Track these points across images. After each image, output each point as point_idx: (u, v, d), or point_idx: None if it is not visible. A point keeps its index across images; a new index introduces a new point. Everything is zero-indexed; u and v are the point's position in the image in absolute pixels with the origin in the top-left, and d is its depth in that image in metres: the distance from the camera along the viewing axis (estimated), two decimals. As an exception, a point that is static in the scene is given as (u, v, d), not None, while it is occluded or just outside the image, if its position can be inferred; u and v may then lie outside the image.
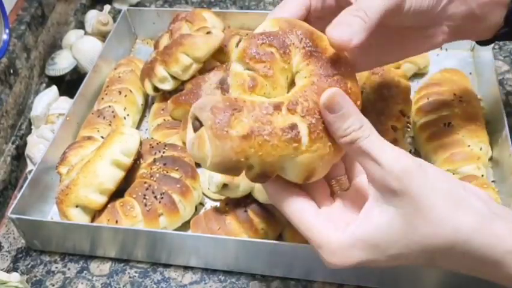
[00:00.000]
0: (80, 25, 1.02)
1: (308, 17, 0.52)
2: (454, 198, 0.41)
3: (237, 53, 0.47)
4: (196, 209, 0.70)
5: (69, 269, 0.68)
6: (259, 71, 0.46)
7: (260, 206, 0.65)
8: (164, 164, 0.69)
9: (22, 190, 0.68)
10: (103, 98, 0.82)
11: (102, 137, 0.74)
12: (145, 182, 0.68)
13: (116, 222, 0.65)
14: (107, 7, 1.00)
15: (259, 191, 0.63)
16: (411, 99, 0.74)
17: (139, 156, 0.71)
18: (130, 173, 0.69)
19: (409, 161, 0.41)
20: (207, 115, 0.43)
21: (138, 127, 0.84)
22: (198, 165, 0.74)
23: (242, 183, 0.63)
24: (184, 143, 0.75)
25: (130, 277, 0.66)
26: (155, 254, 0.66)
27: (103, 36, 0.96)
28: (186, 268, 0.67)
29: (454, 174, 0.68)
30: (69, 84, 0.93)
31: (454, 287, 0.60)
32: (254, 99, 0.45)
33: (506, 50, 0.91)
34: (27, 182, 0.69)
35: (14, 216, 0.66)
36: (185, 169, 0.69)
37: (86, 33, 0.97)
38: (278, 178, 0.46)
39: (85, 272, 0.67)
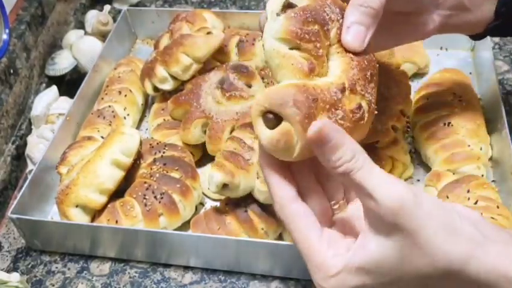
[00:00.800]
0: (80, 25, 1.02)
1: None
2: (448, 228, 0.41)
3: (279, 31, 0.45)
4: (196, 209, 0.70)
5: (69, 269, 0.68)
6: (311, 52, 0.45)
7: (260, 206, 0.65)
8: (165, 164, 0.69)
9: (22, 190, 0.68)
10: (103, 98, 0.82)
11: (102, 137, 0.74)
12: (145, 182, 0.68)
13: (116, 222, 0.65)
14: (107, 7, 1.00)
15: (259, 191, 0.63)
16: (411, 99, 0.74)
17: (139, 156, 0.71)
18: (130, 173, 0.69)
19: (404, 194, 0.40)
20: (294, 111, 0.42)
21: (138, 127, 0.84)
22: (198, 165, 0.74)
23: (242, 183, 0.63)
24: (184, 143, 0.75)
25: (130, 277, 0.66)
26: (155, 254, 0.66)
27: (103, 36, 0.96)
28: (186, 268, 0.67)
29: (454, 174, 0.68)
30: (69, 84, 0.93)
31: None
32: (317, 83, 0.44)
33: (506, 50, 0.91)
34: (27, 182, 0.69)
35: (14, 216, 0.66)
36: (185, 169, 0.69)
37: (86, 33, 0.97)
38: (287, 190, 0.46)
39: (85, 272, 0.67)
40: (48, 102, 0.85)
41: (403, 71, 0.75)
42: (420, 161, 0.75)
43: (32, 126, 0.85)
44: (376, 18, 0.48)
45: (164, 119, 0.80)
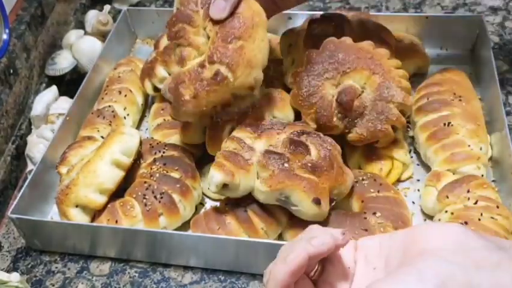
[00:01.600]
0: (80, 25, 1.02)
1: None
2: None
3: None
4: (196, 209, 0.70)
5: (69, 269, 0.68)
6: (183, 43, 0.63)
7: (260, 206, 0.64)
8: (164, 164, 0.69)
9: (22, 190, 0.68)
10: (103, 98, 0.82)
11: (102, 137, 0.74)
12: (145, 182, 0.68)
13: (116, 222, 0.65)
14: (107, 7, 1.00)
15: (259, 191, 0.63)
16: (411, 99, 0.74)
17: (139, 156, 0.71)
18: (130, 173, 0.69)
19: None
20: (169, 96, 0.65)
21: (138, 127, 0.84)
22: (198, 165, 0.74)
23: (242, 183, 0.63)
24: (184, 143, 0.75)
25: (130, 277, 0.66)
26: (155, 253, 0.66)
27: (102, 36, 0.96)
28: (186, 268, 0.67)
29: (453, 174, 0.68)
30: (69, 84, 0.93)
31: None
32: (188, 68, 0.62)
33: (506, 50, 0.91)
34: (27, 182, 0.69)
35: (14, 216, 0.66)
36: (185, 169, 0.69)
37: (86, 33, 0.97)
38: (283, 266, 0.44)
39: (84, 272, 0.67)
40: (48, 102, 0.85)
41: (403, 71, 0.75)
42: (420, 161, 0.75)
43: (32, 126, 0.85)
44: None
45: (164, 119, 0.80)
